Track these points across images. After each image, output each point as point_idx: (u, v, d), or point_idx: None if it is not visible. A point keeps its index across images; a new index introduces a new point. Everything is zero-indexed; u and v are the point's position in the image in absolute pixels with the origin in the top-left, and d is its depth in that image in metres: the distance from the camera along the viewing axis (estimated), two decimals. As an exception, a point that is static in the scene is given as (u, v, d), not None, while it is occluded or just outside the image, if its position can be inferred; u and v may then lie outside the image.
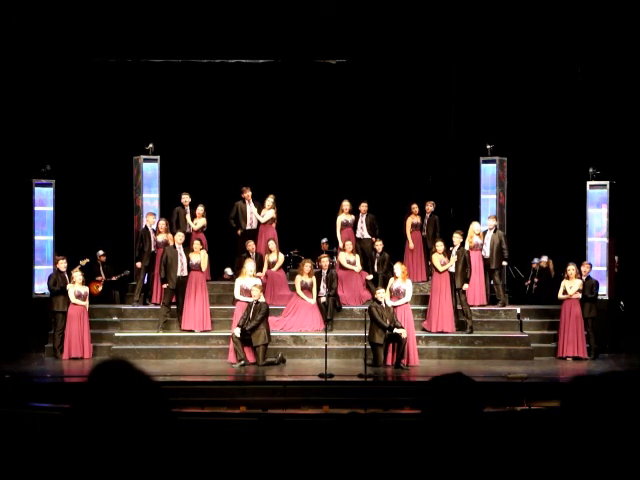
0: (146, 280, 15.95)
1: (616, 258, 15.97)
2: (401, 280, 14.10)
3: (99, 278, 16.95)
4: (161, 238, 15.63)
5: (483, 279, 15.61)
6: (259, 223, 16.43)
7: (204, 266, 15.08)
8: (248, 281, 14.30)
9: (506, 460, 2.53)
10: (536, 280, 17.20)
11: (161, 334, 14.77)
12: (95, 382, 2.01)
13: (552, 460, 2.17)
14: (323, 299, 15.07)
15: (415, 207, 16.67)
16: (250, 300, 14.00)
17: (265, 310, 13.87)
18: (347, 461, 3.99)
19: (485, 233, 15.82)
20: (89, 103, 17.60)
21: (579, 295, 14.53)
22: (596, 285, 14.81)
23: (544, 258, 17.23)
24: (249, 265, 14.55)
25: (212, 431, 7.83)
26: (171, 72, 17.63)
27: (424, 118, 18.36)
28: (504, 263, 15.90)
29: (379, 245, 15.97)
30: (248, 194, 16.46)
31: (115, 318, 15.44)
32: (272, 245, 15.83)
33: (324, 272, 15.31)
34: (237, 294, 14.36)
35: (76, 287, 14.46)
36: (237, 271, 15.71)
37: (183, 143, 17.95)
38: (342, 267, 15.95)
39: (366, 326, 13.44)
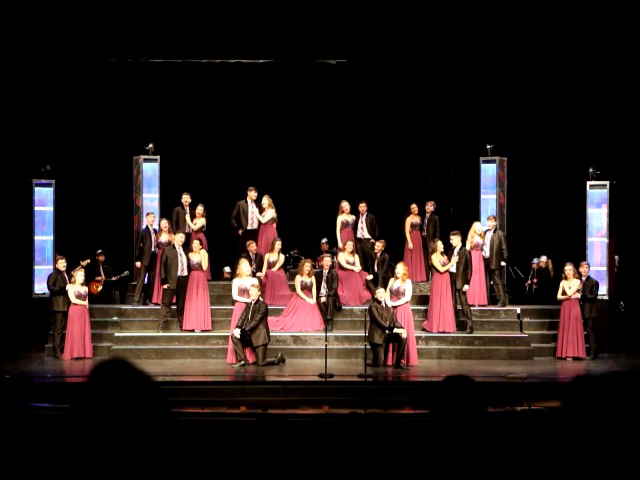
0: (146, 280, 15.95)
1: (617, 258, 15.97)
2: (401, 280, 14.11)
3: (99, 278, 16.96)
4: (164, 239, 15.63)
5: (483, 279, 15.62)
6: (260, 223, 16.44)
7: (205, 265, 15.09)
8: (245, 281, 14.29)
9: (506, 460, 2.53)
10: (535, 280, 17.21)
11: (161, 334, 14.77)
12: (95, 382, 2.01)
13: (552, 460, 2.17)
14: (323, 299, 15.07)
15: (414, 207, 16.68)
16: (248, 300, 13.99)
17: (264, 310, 13.85)
18: (347, 461, 4.00)
19: (485, 233, 15.83)
20: (89, 103, 17.61)
21: (578, 295, 14.54)
22: (596, 285, 14.81)
23: (543, 258, 17.24)
24: (245, 266, 14.53)
25: (212, 431, 7.83)
26: (171, 72, 17.63)
27: (424, 118, 18.38)
28: (503, 263, 15.91)
29: (379, 246, 15.98)
30: (253, 194, 16.47)
31: (115, 318, 15.43)
32: (278, 245, 15.83)
33: (325, 272, 15.32)
34: (235, 295, 14.32)
35: (76, 287, 14.46)
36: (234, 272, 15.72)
37: (183, 143, 17.95)
38: (342, 267, 15.96)
39: (366, 326, 13.43)
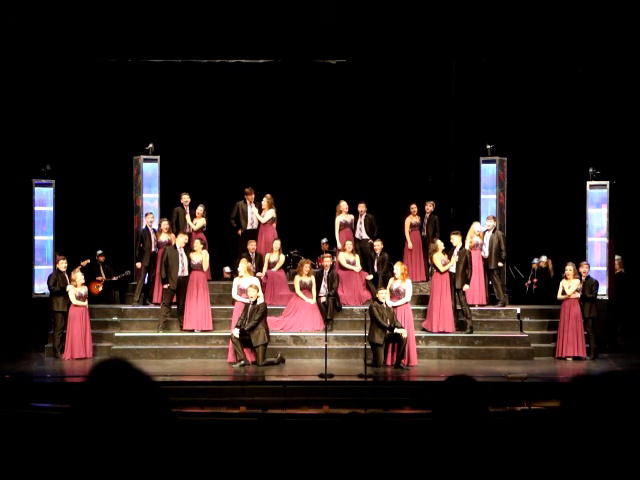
0: (147, 280, 15.95)
1: (619, 258, 15.93)
2: (401, 280, 14.10)
3: (99, 278, 16.96)
4: (164, 238, 15.64)
5: (482, 279, 15.62)
6: (259, 223, 16.45)
7: (205, 266, 15.09)
8: (245, 281, 14.29)
9: (507, 460, 2.53)
10: (535, 280, 17.20)
11: (161, 334, 14.77)
12: (94, 382, 2.01)
13: (552, 460, 2.17)
14: (323, 299, 15.07)
15: (414, 207, 16.67)
16: (247, 300, 14.00)
17: (263, 310, 13.85)
18: (347, 461, 3.99)
19: (484, 233, 15.83)
20: (89, 103, 17.61)
21: (578, 295, 14.53)
22: (596, 285, 14.80)
23: (543, 258, 17.24)
24: (244, 266, 14.52)
25: (212, 431, 7.83)
26: (171, 72, 17.63)
27: (424, 118, 18.37)
28: (501, 264, 15.91)
29: (378, 246, 15.96)
30: (251, 196, 16.47)
31: (115, 318, 15.44)
32: (277, 245, 15.83)
33: (325, 272, 15.32)
34: (235, 295, 14.35)
35: (77, 288, 14.46)
36: (235, 271, 15.72)
37: (183, 143, 17.95)
38: (342, 267, 15.95)
39: (366, 326, 13.43)
